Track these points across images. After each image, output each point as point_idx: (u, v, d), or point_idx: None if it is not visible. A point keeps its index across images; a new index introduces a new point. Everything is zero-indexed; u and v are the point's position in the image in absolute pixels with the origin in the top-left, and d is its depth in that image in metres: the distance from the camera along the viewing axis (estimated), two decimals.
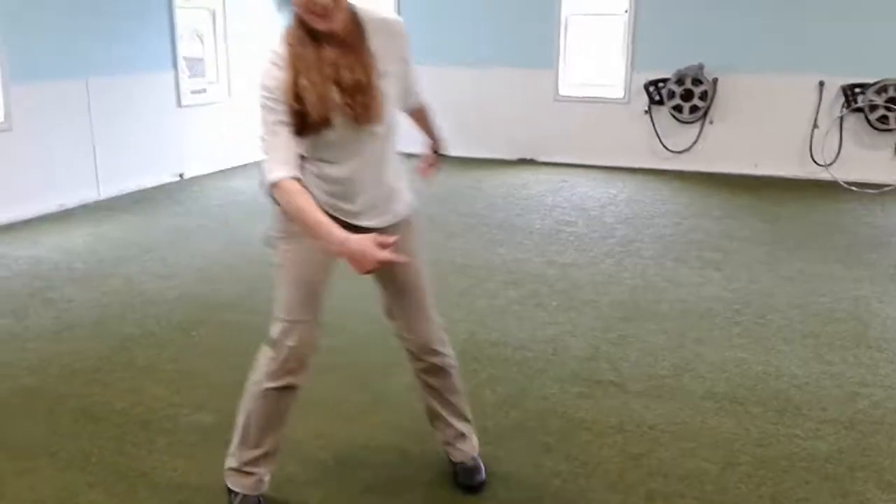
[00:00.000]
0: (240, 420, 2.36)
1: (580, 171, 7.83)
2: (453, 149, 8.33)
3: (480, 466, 2.61)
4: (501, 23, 8.14)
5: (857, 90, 7.04)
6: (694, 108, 7.49)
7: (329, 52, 2.04)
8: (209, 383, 3.34)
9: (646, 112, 7.78)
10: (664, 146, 7.74)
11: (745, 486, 2.62)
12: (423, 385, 2.52)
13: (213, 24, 7.85)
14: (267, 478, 2.41)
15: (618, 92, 7.97)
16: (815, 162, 7.33)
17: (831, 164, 7.26)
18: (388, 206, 2.26)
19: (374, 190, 2.22)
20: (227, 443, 2.45)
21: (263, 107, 2.04)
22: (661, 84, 7.61)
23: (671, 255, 5.16)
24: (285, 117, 2.02)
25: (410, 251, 2.28)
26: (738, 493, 2.59)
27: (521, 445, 2.88)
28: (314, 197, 2.08)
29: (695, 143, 7.67)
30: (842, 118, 7.19)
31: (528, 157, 8.37)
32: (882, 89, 6.92)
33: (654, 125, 7.79)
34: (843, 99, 7.14)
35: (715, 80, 7.41)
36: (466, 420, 2.61)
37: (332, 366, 3.47)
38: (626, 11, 7.73)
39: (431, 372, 2.48)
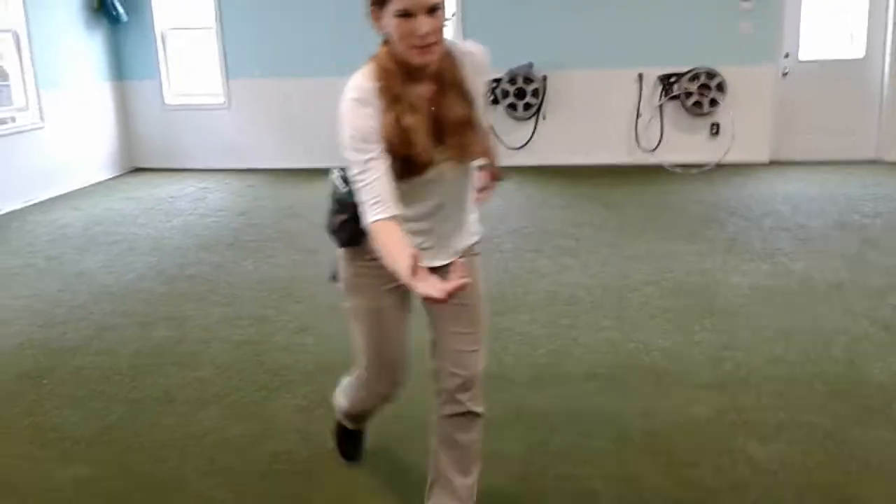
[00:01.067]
0: (347, 398, 2.49)
1: None
2: (295, 160, 7.96)
3: None
4: (333, 33, 8.03)
5: (672, 79, 7.59)
6: (527, 106, 7.76)
7: (425, 89, 1.93)
8: (73, 434, 3.04)
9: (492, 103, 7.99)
10: (503, 143, 7.96)
11: (641, 458, 2.73)
12: (446, 441, 2.20)
13: (16, 47, 7.20)
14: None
15: None
16: (642, 148, 7.82)
17: (655, 149, 7.78)
18: (460, 239, 2.14)
19: (453, 226, 2.11)
20: (109, 496, 2.24)
21: (353, 149, 1.88)
22: (494, 84, 7.83)
23: (528, 246, 5.31)
24: (378, 155, 1.87)
25: (476, 275, 2.15)
26: (637, 466, 2.69)
27: (420, 446, 2.85)
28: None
29: (531, 138, 7.95)
30: (661, 106, 7.72)
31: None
32: (694, 77, 7.50)
33: (490, 124, 7.99)
34: (660, 88, 7.66)
35: (545, 78, 7.72)
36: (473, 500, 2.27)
37: (206, 399, 3.28)
38: (454, 14, 7.88)
39: (460, 422, 2.18)
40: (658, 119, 7.76)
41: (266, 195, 7.29)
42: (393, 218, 1.86)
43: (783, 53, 7.58)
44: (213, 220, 6.41)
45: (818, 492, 2.52)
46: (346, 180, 2.06)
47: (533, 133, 7.94)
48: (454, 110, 1.95)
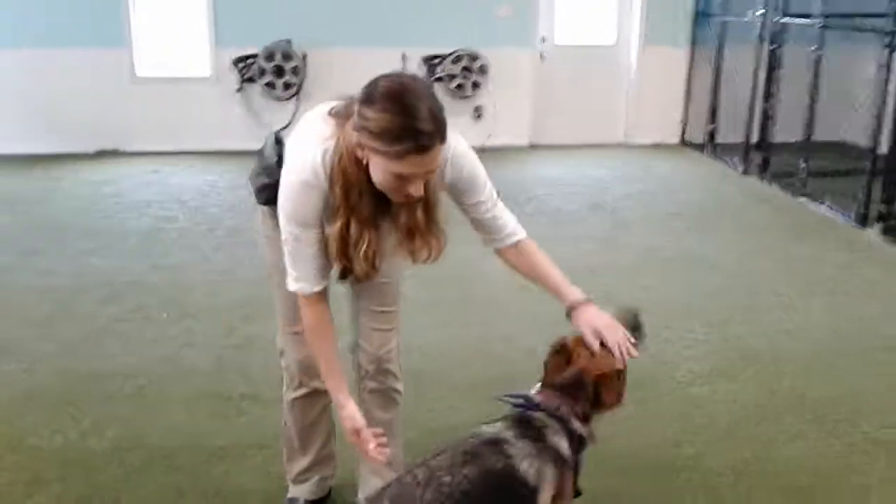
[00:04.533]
0: (282, 434, 2.33)
1: (174, 158, 7.17)
2: (16, 145, 6.99)
3: None
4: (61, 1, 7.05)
5: (436, 61, 7.47)
6: (287, 85, 7.30)
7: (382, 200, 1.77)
8: None
9: (238, 90, 7.40)
10: (262, 124, 7.45)
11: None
12: (366, 415, 2.02)
13: None
14: (326, 483, 2.36)
15: (205, 70, 7.45)
16: None
17: None
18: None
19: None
20: None
21: (288, 223, 1.80)
22: (250, 60, 7.28)
23: None
24: (314, 234, 1.81)
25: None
26: None
27: (148, 493, 2.41)
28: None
29: (292, 120, 7.50)
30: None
31: (112, 147, 7.46)
32: (457, 59, 7.44)
33: (248, 104, 7.45)
34: (424, 70, 7.52)
35: (304, 56, 7.30)
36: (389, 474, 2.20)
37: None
38: None
39: (378, 398, 2.25)
40: None
41: None
42: (315, 294, 1.86)
43: (540, 37, 7.74)
44: None
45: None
46: (279, 141, 2.02)
47: (294, 114, 7.48)
48: (410, 217, 1.81)
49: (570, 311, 1.95)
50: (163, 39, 7.46)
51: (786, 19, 6.22)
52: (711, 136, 7.40)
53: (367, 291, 2.14)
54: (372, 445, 1.82)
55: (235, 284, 4.14)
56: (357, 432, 1.84)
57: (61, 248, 4.73)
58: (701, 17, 7.60)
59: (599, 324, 1.88)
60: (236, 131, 7.46)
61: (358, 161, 1.71)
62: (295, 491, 2.35)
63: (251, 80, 7.34)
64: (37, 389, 3.01)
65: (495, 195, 2.02)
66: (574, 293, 1.96)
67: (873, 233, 5.02)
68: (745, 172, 6.67)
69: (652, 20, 7.71)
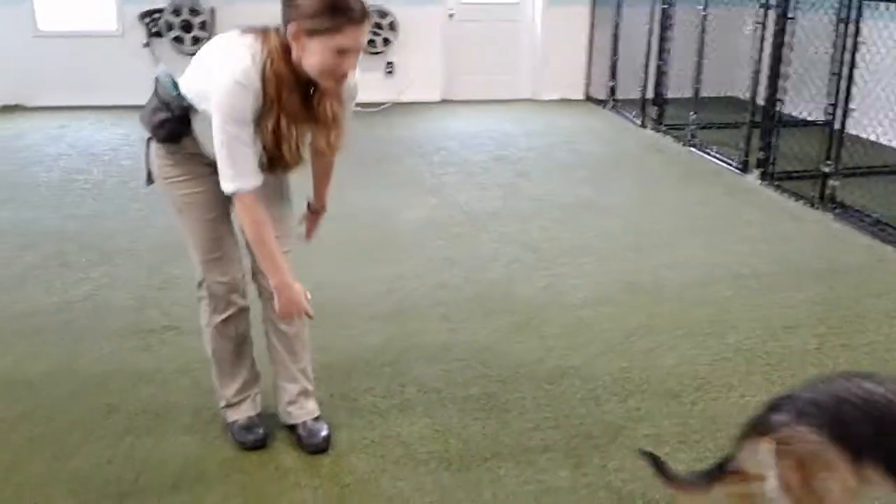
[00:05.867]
0: (212, 362, 2.45)
1: (81, 113, 7.09)
2: None
3: (323, 423, 2.51)
4: None
5: None
6: (196, 40, 7.28)
7: (301, 92, 2.04)
8: None
9: (146, 45, 7.34)
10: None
11: (325, 385, 2.71)
12: (273, 331, 2.43)
13: None
14: (258, 398, 2.51)
15: (110, 25, 7.35)
16: None
17: None
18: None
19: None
20: None
21: (226, 123, 1.96)
22: (157, 15, 7.22)
23: None
24: (249, 133, 1.99)
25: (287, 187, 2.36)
26: (324, 396, 2.68)
27: (81, 412, 2.59)
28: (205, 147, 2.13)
29: None
30: None
31: (14, 102, 7.30)
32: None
33: (155, 59, 7.40)
34: None
35: (213, 10, 7.28)
36: (309, 379, 2.52)
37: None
38: None
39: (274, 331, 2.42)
40: None
41: None
42: (255, 189, 2.04)
43: None
44: None
45: (475, 402, 2.72)
46: (175, 85, 2.14)
47: None
48: (325, 111, 2.08)
49: (309, 206, 2.50)
50: None
51: None
52: (612, 91, 7.78)
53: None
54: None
55: (153, 230, 4.26)
56: (304, 310, 2.17)
57: None
58: None
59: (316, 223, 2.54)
60: (144, 86, 7.32)
61: (287, 60, 1.98)
62: (234, 414, 2.47)
63: (158, 34, 7.30)
64: None
65: None
66: (322, 202, 2.50)
67: (752, 178, 5.48)
68: (642, 125, 7.09)
69: None
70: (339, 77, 2.00)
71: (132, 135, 6.35)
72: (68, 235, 4.19)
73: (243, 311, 2.40)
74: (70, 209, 4.61)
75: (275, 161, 2.08)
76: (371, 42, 7.65)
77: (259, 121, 2.01)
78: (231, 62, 1.97)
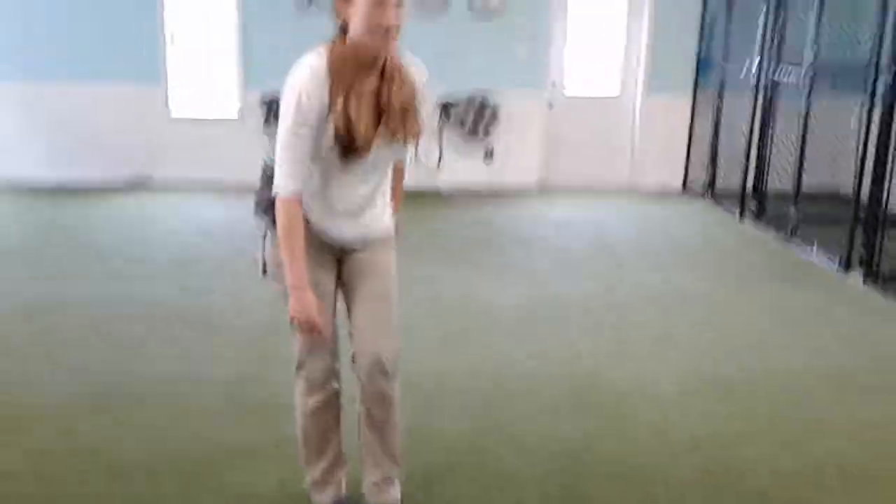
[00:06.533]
0: (299, 441, 2.54)
1: (201, 191, 7.59)
2: (54, 173, 7.50)
3: None
4: (98, 35, 7.57)
5: (451, 104, 7.91)
6: None
7: (373, 80, 2.20)
8: None
9: (263, 131, 7.84)
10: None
11: (408, 471, 2.79)
12: (367, 418, 2.47)
13: None
14: (343, 481, 2.58)
15: (232, 111, 7.92)
16: (420, 171, 8.04)
17: (434, 172, 8.04)
18: (373, 220, 2.38)
19: (368, 206, 2.35)
20: None
21: (294, 121, 2.12)
22: (274, 103, 7.74)
23: None
24: (308, 132, 2.14)
25: (388, 266, 2.44)
26: (408, 487, 2.75)
27: (175, 487, 2.73)
28: (311, 212, 2.27)
29: None
30: (440, 130, 8.02)
31: (143, 180, 7.91)
32: (470, 103, 7.87)
33: (270, 142, 7.87)
34: (439, 112, 7.96)
35: None
36: (396, 464, 2.56)
37: None
38: (235, 27, 7.71)
39: (378, 400, 2.43)
40: (437, 142, 8.05)
41: (15, 211, 6.71)
42: (298, 194, 2.18)
43: (549, 85, 8.16)
44: None
45: (558, 497, 2.73)
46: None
47: None
48: (397, 98, 2.21)
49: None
50: (195, 79, 7.97)
51: (779, 70, 6.56)
52: (711, 182, 7.75)
53: (366, 278, 2.40)
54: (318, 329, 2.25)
55: (257, 307, 4.50)
56: (312, 320, 2.22)
57: (97, 270, 5.14)
58: (703, 65, 7.99)
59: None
60: (259, 167, 7.88)
61: (344, 43, 2.15)
62: (319, 494, 2.56)
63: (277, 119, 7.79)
64: (85, 392, 3.38)
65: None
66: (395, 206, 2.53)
67: (855, 277, 5.31)
68: (742, 218, 7.00)
69: (656, 69, 8.12)
70: (384, 31, 2.12)
71: (244, 213, 6.75)
72: (178, 309, 4.48)
73: (336, 395, 2.51)
74: (182, 283, 4.94)
75: (348, 148, 2.19)
76: (472, 130, 7.94)
77: (330, 107, 2.15)
78: (297, 69, 2.17)
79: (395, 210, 2.54)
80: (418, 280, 5.02)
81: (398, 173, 2.52)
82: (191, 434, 3.09)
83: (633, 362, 3.88)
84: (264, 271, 2.40)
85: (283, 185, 2.18)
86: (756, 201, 6.90)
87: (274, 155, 2.23)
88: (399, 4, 2.13)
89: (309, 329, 2.25)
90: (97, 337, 4.03)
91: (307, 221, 2.27)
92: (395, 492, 2.57)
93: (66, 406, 3.28)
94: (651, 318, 4.52)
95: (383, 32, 2.12)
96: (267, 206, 2.29)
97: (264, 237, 2.37)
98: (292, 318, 2.24)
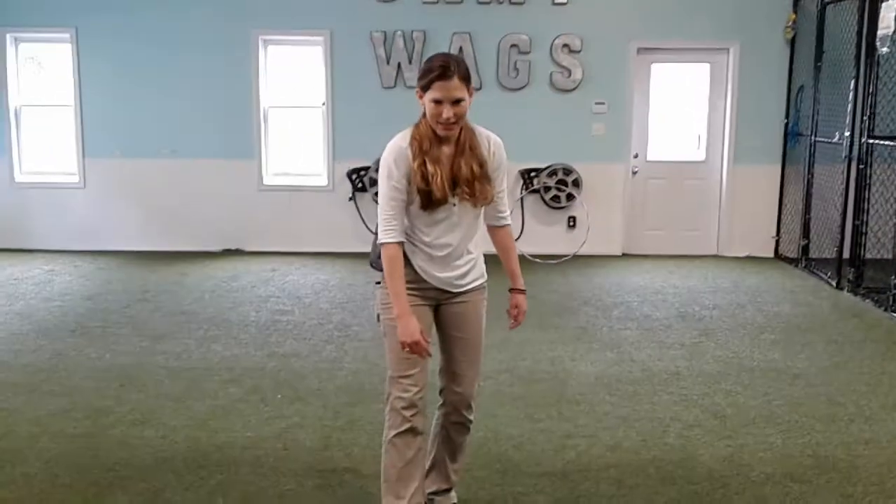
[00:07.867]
0: (382, 476, 2.75)
1: (290, 258, 7.84)
2: (151, 242, 7.90)
3: None
4: (199, 113, 8.02)
5: (533, 174, 7.98)
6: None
7: (447, 150, 2.62)
8: None
9: (350, 199, 8.07)
10: (369, 229, 8.05)
11: None
12: (444, 439, 2.88)
13: None
14: None
15: (321, 180, 8.19)
16: None
17: (516, 239, 8.07)
18: (466, 269, 2.74)
19: (459, 254, 2.71)
20: None
21: (390, 186, 2.57)
22: (362, 172, 7.97)
23: None
24: (403, 195, 2.57)
25: (479, 315, 2.83)
26: None
27: None
28: (413, 260, 2.67)
29: None
30: (522, 199, 8.07)
31: (235, 247, 8.22)
32: (552, 173, 7.92)
33: (358, 210, 8.09)
34: (521, 182, 8.03)
35: None
36: (457, 477, 2.99)
37: (31, 497, 3.06)
38: (324, 104, 8.03)
39: (459, 428, 2.86)
40: (519, 211, 8.10)
41: (117, 278, 7.02)
42: (400, 243, 2.60)
43: (633, 154, 8.14)
44: (58, 304, 6.10)
45: None
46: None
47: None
48: (468, 167, 2.61)
49: (511, 290, 2.92)
50: (285, 152, 8.31)
51: (872, 141, 6.38)
52: (805, 250, 7.50)
53: (461, 325, 2.79)
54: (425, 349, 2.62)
55: (342, 373, 4.55)
56: (417, 340, 2.57)
57: (189, 334, 5.31)
58: (791, 136, 7.84)
59: (519, 302, 2.92)
60: (347, 235, 8.11)
61: (425, 123, 2.59)
62: None
63: (362, 189, 8.02)
64: (172, 454, 3.46)
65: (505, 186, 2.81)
66: (518, 282, 2.91)
67: None
68: (838, 287, 6.72)
69: (742, 140, 8.01)
70: (442, 121, 2.54)
71: (332, 281, 6.92)
72: (268, 373, 4.57)
73: (415, 433, 2.69)
74: (272, 347, 5.05)
75: (429, 198, 2.57)
76: (555, 198, 7.96)
77: (412, 169, 2.57)
78: (389, 145, 2.63)
79: (512, 270, 2.90)
80: (498, 346, 4.95)
81: (505, 238, 2.87)
82: (275, 497, 3.11)
83: (726, 439, 3.72)
84: (378, 318, 2.76)
85: (384, 236, 2.59)
86: (853, 269, 6.63)
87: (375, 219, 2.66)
88: (455, 103, 2.54)
89: (415, 349, 2.58)
90: (192, 399, 4.14)
91: (413, 268, 2.67)
92: (453, 496, 2.98)
93: (156, 469, 3.36)
94: (744, 392, 4.34)
95: (442, 123, 2.56)
96: (375, 259, 2.71)
97: (377, 283, 2.74)
98: (402, 343, 2.58)
